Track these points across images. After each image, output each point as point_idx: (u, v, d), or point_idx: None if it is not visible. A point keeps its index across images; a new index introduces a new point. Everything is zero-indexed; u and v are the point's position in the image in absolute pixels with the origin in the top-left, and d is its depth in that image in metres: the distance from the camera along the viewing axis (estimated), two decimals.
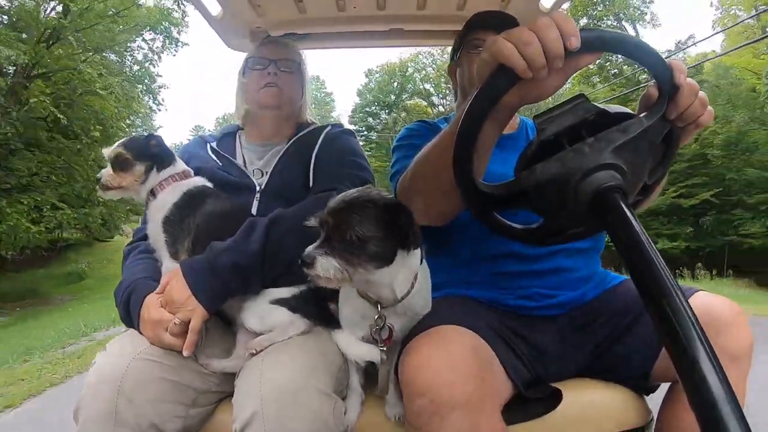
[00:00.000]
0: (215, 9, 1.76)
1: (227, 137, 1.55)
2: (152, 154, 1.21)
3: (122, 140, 1.25)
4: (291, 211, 1.18)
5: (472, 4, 1.78)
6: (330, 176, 1.29)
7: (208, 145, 1.49)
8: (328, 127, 1.51)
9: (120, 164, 1.20)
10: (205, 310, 1.06)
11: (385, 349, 1.04)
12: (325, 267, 0.89)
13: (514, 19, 1.47)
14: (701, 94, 0.80)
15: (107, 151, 1.23)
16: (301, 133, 1.48)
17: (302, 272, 0.92)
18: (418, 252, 1.01)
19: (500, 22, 1.44)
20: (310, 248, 0.91)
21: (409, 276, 1.03)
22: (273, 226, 1.14)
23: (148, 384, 1.00)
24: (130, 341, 1.08)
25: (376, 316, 1.03)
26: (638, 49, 0.72)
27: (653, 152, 0.77)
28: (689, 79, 0.78)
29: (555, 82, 0.77)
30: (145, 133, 1.23)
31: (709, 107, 0.83)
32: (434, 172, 0.99)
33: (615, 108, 0.76)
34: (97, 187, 1.23)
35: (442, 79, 38.38)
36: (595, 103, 0.75)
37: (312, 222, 0.96)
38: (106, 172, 1.22)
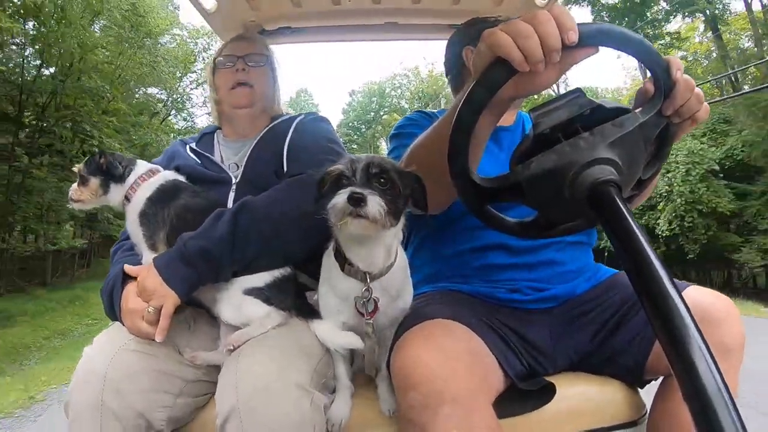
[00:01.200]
0: (210, 3, 1.75)
1: (206, 137, 1.56)
2: (102, 170, 1.29)
3: (86, 158, 1.35)
4: (262, 197, 1.18)
5: None
6: (305, 162, 1.28)
7: (187, 145, 1.50)
8: (301, 116, 1.50)
9: (80, 180, 1.30)
10: (177, 295, 1.06)
11: (371, 321, 1.04)
12: (376, 206, 0.87)
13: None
14: (697, 90, 0.79)
15: (75, 169, 1.33)
16: (273, 123, 1.47)
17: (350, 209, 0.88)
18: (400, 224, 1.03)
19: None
20: (351, 188, 0.89)
21: (396, 243, 1.05)
22: (241, 211, 1.14)
23: (134, 375, 1.01)
24: (116, 334, 1.09)
25: (363, 289, 1.03)
26: (636, 44, 0.71)
27: (648, 147, 0.77)
28: (685, 76, 0.77)
29: (552, 76, 0.76)
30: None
31: (705, 103, 0.83)
32: (430, 160, 0.99)
33: (611, 103, 0.75)
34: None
35: (415, 99, 40.92)
36: (591, 98, 0.74)
37: (341, 166, 0.94)
38: (73, 187, 1.31)
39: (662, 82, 0.75)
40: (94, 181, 1.28)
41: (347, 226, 0.89)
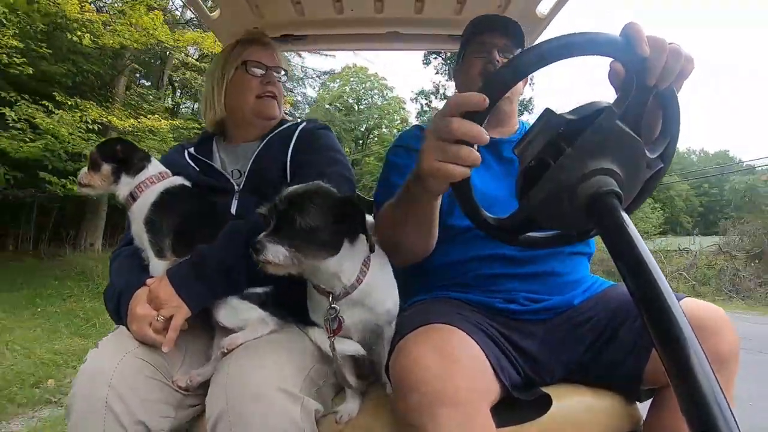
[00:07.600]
0: (213, 10, 1.77)
1: (205, 142, 1.53)
2: (118, 158, 1.27)
3: (99, 143, 1.33)
4: None
5: (470, 8, 1.79)
6: (308, 174, 1.26)
7: (186, 151, 1.48)
8: (303, 123, 1.49)
9: (91, 164, 1.28)
10: (189, 309, 1.07)
11: (333, 337, 1.05)
12: (274, 253, 0.93)
13: (515, 23, 1.47)
14: (672, 46, 0.69)
15: (88, 153, 1.32)
16: (276, 131, 1.46)
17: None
18: (363, 240, 1.04)
19: (503, 25, 1.46)
20: (260, 235, 0.95)
21: (355, 264, 1.05)
22: (256, 228, 1.12)
23: (138, 382, 1.01)
24: (121, 339, 1.09)
25: (327, 307, 1.05)
26: (567, 47, 0.68)
27: (645, 128, 0.73)
28: (651, 35, 0.68)
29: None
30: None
31: (686, 53, 0.72)
32: (399, 231, 1.07)
33: (585, 108, 0.71)
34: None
35: None
36: (563, 113, 0.71)
37: (263, 210, 0.99)
38: (83, 171, 1.29)
39: (627, 62, 0.69)
40: (106, 168, 1.27)
41: (263, 268, 0.96)
